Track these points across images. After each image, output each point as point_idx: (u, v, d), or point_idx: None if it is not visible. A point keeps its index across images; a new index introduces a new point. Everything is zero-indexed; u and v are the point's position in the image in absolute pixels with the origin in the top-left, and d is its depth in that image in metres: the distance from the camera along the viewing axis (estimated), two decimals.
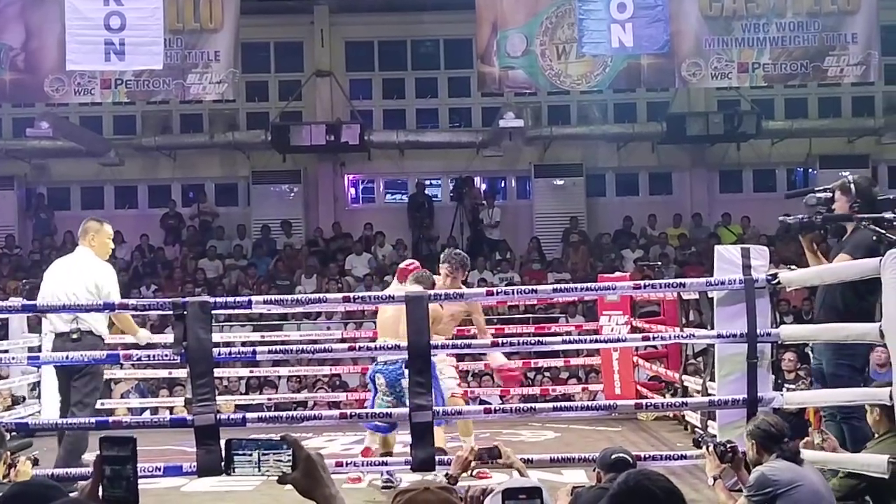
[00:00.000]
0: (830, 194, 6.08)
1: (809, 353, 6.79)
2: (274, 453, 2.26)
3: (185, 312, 5.99)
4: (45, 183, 18.28)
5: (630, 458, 4.47)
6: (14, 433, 6.70)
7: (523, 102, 17.04)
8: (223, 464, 2.32)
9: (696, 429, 7.86)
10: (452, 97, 18.37)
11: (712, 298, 6.54)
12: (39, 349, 9.47)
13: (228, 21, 14.46)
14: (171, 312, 6.20)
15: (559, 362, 11.83)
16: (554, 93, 16.60)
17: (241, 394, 12.14)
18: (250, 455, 2.26)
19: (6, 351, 9.39)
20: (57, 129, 16.05)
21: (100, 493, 2.43)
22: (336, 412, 6.94)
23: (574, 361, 11.75)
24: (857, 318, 5.51)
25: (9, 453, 4.62)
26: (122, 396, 11.58)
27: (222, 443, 5.76)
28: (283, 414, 7.04)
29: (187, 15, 14.36)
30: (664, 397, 9.52)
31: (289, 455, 2.25)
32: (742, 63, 14.25)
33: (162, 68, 13.82)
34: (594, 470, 4.66)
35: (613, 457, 4.44)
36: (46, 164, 17.92)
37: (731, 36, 14.21)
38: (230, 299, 7.04)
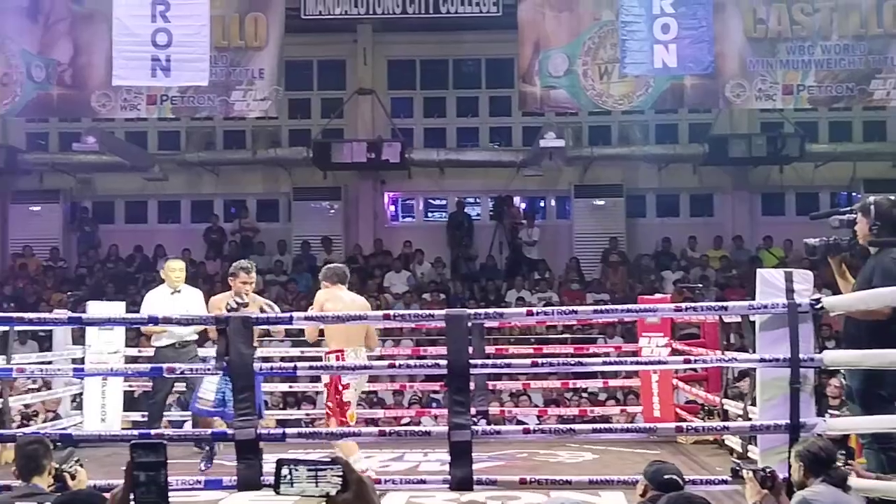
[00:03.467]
0: (854, 216, 5.98)
1: (842, 377, 6.70)
2: (324, 474, 2.26)
3: (228, 327, 6.06)
4: (90, 197, 18.53)
5: (681, 481, 4.44)
6: (58, 444, 6.79)
7: (564, 122, 17.04)
8: (272, 482, 2.33)
9: (736, 453, 7.78)
10: (493, 116, 18.42)
11: (754, 322, 6.48)
12: (83, 361, 9.61)
13: (273, 39, 14.62)
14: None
15: (598, 383, 11.76)
16: (595, 113, 16.59)
17: (279, 409, 12.20)
18: (299, 474, 2.27)
19: (50, 362, 9.53)
20: (103, 143, 16.29)
21: (131, 499, 2.44)
22: (375, 429, 6.95)
23: (612, 383, 11.68)
24: (880, 346, 5.44)
25: (54, 464, 4.67)
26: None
27: (264, 457, 5.83)
28: (323, 430, 7.06)
29: (233, 32, 14.54)
30: (703, 420, 9.43)
31: (339, 476, 2.26)
32: (787, 85, 14.16)
33: (207, 85, 13.98)
34: (641, 482, 4.60)
35: (665, 477, 4.41)
36: (92, 179, 18.17)
37: (775, 58, 14.13)
38: (272, 315, 7.09)
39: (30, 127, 18.23)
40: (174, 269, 9.16)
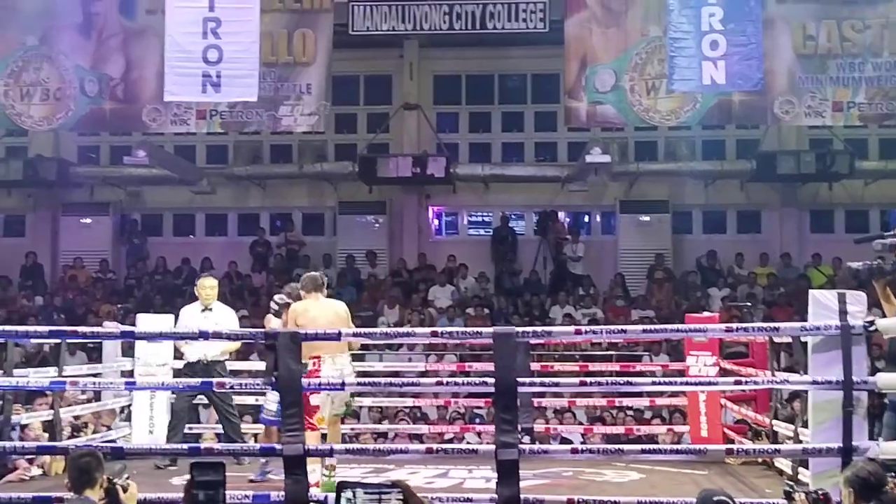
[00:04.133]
0: None
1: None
2: (387, 498, 2.27)
3: (276, 343, 6.11)
4: (139, 209, 18.76)
5: (731, 503, 4.41)
6: (107, 456, 6.87)
7: (610, 138, 16.99)
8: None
9: (787, 475, 7.68)
10: (538, 131, 18.39)
11: (805, 342, 6.41)
12: (131, 373, 9.73)
13: (321, 55, 14.74)
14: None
15: (644, 402, 11.65)
16: (641, 128, 16.51)
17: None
18: (359, 498, 2.28)
19: (100, 374, 9.66)
20: (153, 157, 16.53)
21: None
22: (422, 446, 6.96)
23: (659, 401, 11.56)
24: None
25: (107, 476, 4.73)
26: (217, 423, 11.74)
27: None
28: (370, 446, 7.08)
29: (281, 48, 14.69)
30: (752, 441, 9.32)
31: (400, 500, 2.26)
32: (836, 102, 14.02)
33: (256, 100, 14.12)
34: None
35: (715, 499, 4.38)
36: (141, 192, 18.40)
37: (825, 74, 13.99)
38: (320, 331, 7.12)
39: (81, 140, 18.52)
40: (206, 286, 9.35)
